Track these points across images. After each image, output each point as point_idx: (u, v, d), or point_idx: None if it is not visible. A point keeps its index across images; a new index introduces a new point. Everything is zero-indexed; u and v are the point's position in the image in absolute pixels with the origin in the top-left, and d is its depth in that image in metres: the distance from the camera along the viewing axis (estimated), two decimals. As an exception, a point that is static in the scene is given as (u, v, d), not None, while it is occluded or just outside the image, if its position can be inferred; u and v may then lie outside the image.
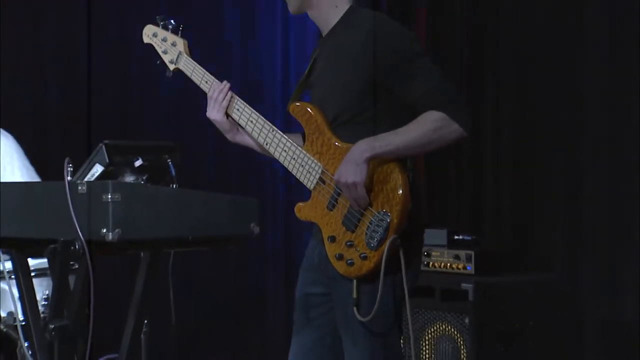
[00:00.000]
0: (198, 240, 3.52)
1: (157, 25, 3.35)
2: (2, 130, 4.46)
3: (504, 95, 4.38)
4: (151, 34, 3.37)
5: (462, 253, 3.96)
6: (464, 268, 3.95)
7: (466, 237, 4.12)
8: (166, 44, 3.33)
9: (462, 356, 3.82)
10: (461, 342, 3.82)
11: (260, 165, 4.59)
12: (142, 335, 3.94)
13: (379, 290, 2.92)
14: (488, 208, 4.40)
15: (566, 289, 4.02)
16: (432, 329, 3.91)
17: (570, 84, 4.17)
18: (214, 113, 3.22)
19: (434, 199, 4.48)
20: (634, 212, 3.94)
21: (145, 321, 3.94)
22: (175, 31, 3.33)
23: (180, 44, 3.31)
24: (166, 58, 3.33)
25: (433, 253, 4.05)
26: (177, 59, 3.31)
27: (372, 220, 2.94)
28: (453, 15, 4.57)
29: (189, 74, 3.28)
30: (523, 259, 4.13)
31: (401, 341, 3.89)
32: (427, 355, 3.93)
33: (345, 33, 3.11)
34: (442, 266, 4.02)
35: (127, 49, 5.49)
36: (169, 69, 3.33)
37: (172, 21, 3.33)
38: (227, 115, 3.24)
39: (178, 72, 3.30)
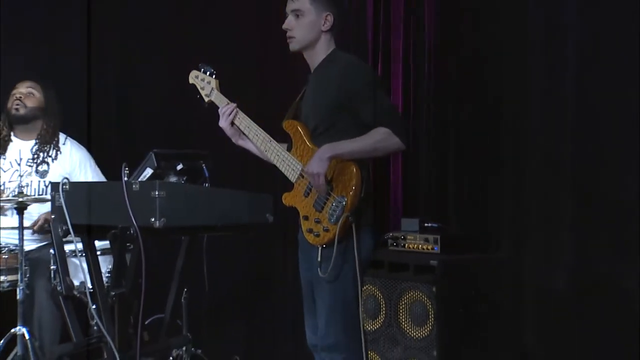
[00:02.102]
0: (225, 227, 3.60)
1: (199, 70, 3.57)
2: (77, 143, 4.59)
3: (465, 111, 4.39)
4: (194, 76, 3.61)
5: (431, 237, 4.01)
6: (432, 249, 3.99)
7: (433, 225, 4.16)
8: (204, 83, 3.56)
9: (431, 317, 3.85)
10: (430, 306, 3.86)
11: (273, 168, 4.71)
12: (182, 300, 4.20)
13: (334, 252, 3.13)
14: (451, 202, 4.42)
15: (511, 264, 4.06)
16: (407, 296, 3.94)
17: (517, 101, 4.16)
18: (221, 122, 3.47)
19: (410, 195, 4.51)
20: (564, 204, 3.96)
21: (185, 289, 4.14)
22: (211, 74, 3.55)
23: (214, 83, 3.55)
24: (203, 93, 3.56)
25: (408, 237, 4.08)
26: (210, 93, 3.54)
27: (333, 202, 3.15)
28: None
29: (218, 103, 3.51)
30: (478, 241, 4.15)
31: (382, 305, 3.93)
32: (403, 316, 3.96)
33: (326, 69, 3.33)
34: (415, 247, 4.05)
35: (169, 75, 5.43)
36: (204, 100, 3.56)
37: (209, 67, 3.55)
38: (233, 124, 3.46)
39: (211, 103, 3.54)
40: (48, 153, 4.49)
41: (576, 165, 3.96)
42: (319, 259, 3.19)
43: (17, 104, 4.47)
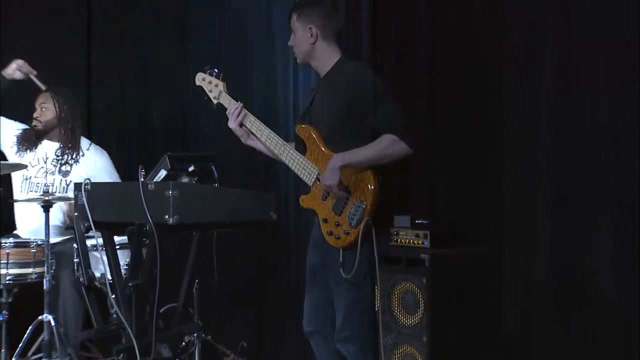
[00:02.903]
0: (233, 223, 3.65)
1: (205, 72, 3.45)
2: (100, 149, 4.63)
3: (451, 116, 4.38)
4: (201, 79, 3.48)
5: (421, 232, 4.01)
6: (422, 243, 4.00)
7: (424, 221, 4.17)
8: (211, 85, 3.44)
9: (421, 305, 3.88)
10: (420, 296, 3.88)
11: (277, 169, 4.59)
12: (194, 291, 4.21)
13: (357, 256, 3.06)
14: (440, 201, 4.44)
15: (493, 258, 4.08)
16: (400, 286, 3.97)
17: (498, 107, 4.16)
18: (230, 123, 3.38)
19: (402, 194, 4.47)
20: (541, 204, 3.98)
21: (196, 281, 4.16)
22: (217, 77, 3.43)
23: (221, 85, 3.44)
24: (211, 95, 3.44)
25: (400, 232, 4.09)
26: (218, 96, 3.42)
27: (352, 206, 3.09)
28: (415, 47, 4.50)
29: (226, 106, 3.40)
30: (464, 236, 4.17)
31: (377, 294, 3.87)
32: (396, 305, 3.98)
33: (335, 76, 3.26)
34: (406, 242, 4.07)
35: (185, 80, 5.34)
36: (213, 103, 3.44)
37: (215, 69, 3.43)
38: (242, 125, 3.35)
39: (220, 105, 3.43)
40: (71, 156, 4.56)
41: (555, 164, 3.97)
42: (340, 260, 3.15)
43: (35, 123, 4.59)
